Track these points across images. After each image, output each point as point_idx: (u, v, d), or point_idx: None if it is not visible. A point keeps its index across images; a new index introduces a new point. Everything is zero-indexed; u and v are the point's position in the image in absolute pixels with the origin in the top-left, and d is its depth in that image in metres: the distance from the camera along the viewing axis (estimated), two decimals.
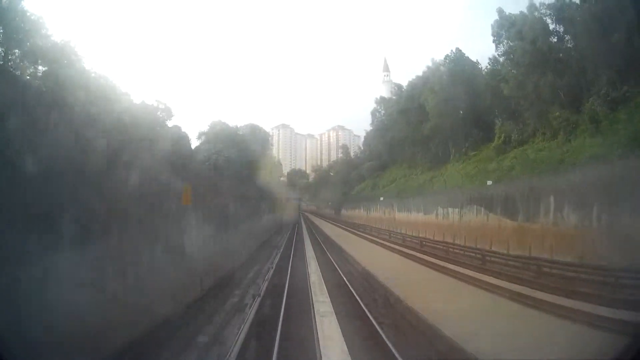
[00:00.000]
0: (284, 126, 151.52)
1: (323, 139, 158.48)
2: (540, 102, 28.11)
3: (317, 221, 66.10)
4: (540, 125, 28.02)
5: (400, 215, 37.96)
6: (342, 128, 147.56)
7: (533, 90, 28.57)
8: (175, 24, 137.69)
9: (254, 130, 48.17)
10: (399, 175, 49.19)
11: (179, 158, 15.98)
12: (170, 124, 28.57)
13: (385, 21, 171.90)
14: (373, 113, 60.05)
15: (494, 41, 34.53)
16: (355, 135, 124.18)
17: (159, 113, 23.04)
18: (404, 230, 32.38)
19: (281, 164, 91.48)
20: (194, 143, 39.38)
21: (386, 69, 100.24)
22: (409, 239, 27.11)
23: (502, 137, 30.85)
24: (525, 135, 29.33)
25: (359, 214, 54.72)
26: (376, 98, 60.71)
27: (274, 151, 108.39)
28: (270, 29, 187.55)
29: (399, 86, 56.12)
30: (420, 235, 27.53)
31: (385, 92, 70.24)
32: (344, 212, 65.50)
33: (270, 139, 51.64)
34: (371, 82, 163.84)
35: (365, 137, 67.55)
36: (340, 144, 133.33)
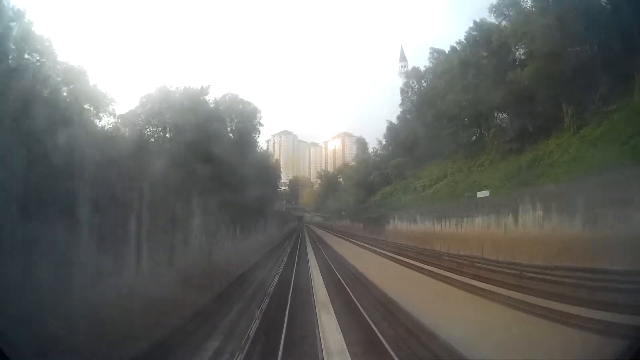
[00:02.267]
0: (286, 133, 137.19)
1: (328, 147, 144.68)
2: None
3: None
4: None
5: None
6: (349, 135, 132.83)
7: None
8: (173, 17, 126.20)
9: (236, 103, 32.65)
10: (451, 170, 33.20)
11: None
12: None
13: (397, 10, 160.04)
14: (403, 91, 44.71)
15: None
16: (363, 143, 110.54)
17: None
18: None
19: (281, 170, 76.26)
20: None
21: (403, 58, 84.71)
22: None
23: None
24: None
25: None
26: (407, 71, 45.62)
27: (275, 153, 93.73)
28: (272, 36, 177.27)
29: (440, 51, 40.89)
30: None
31: (402, 84, 54.53)
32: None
33: (261, 119, 35.51)
34: (381, 82, 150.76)
35: (389, 128, 51.71)
36: (346, 152, 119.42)
